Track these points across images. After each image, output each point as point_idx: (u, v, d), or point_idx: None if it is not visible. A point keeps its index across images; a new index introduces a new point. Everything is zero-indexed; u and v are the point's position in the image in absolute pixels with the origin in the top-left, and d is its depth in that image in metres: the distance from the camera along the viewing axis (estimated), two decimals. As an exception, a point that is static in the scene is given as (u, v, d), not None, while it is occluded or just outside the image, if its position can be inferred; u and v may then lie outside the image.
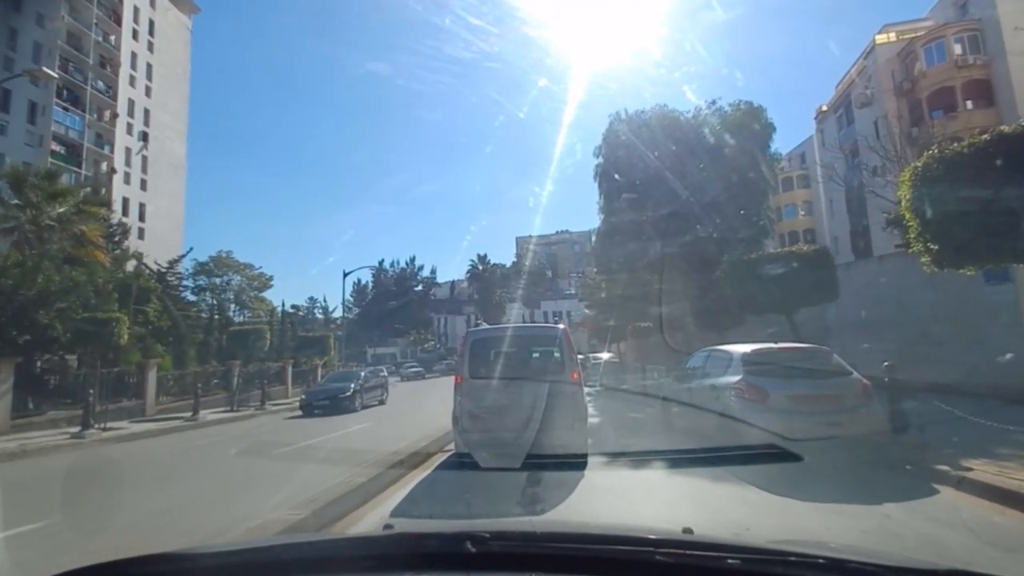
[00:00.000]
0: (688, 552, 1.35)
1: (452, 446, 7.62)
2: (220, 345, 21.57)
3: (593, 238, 26.31)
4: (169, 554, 1.51)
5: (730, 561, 1.30)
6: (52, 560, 3.90)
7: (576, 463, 6.50)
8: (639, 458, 7.24)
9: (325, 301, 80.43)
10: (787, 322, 10.69)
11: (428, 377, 44.55)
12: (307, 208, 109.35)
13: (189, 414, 15.67)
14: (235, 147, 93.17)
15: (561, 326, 8.94)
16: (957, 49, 30.76)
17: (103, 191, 46.53)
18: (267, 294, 46.38)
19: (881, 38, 33.57)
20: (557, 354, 7.85)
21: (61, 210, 21.65)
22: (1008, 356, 8.73)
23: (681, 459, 6.75)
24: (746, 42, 68.47)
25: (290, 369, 24.38)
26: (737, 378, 6.80)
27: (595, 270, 50.93)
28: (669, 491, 5.86)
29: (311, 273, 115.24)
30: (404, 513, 5.52)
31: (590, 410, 13.84)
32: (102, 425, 12.72)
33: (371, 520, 5.21)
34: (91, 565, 1.42)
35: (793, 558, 1.30)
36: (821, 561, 1.30)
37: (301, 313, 32.05)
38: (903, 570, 1.29)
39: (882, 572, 1.25)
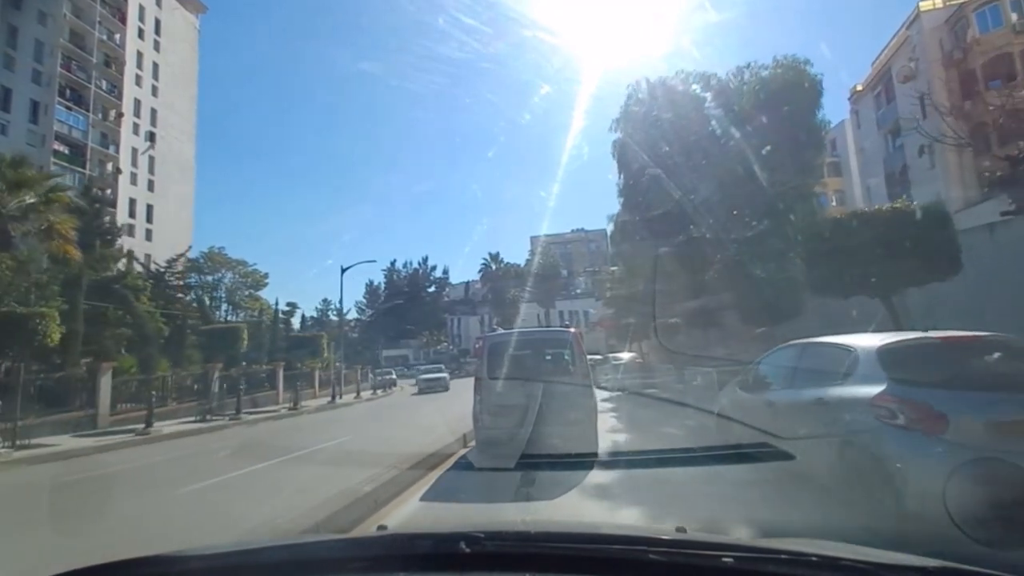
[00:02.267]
0: (680, 551, 1.34)
1: None
2: (208, 347, 19.15)
3: (611, 227, 23.31)
4: (162, 556, 1.50)
5: (723, 559, 1.26)
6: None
7: (586, 458, 6.55)
8: (648, 456, 7.25)
9: (340, 302, 78.57)
10: (883, 308, 7.72)
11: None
12: (315, 208, 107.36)
13: (142, 426, 13.21)
14: (242, 148, 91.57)
15: (572, 329, 9.36)
16: (1014, 16, 27.24)
17: (108, 191, 45.09)
18: (272, 294, 44.26)
19: (926, 5, 30.03)
20: (568, 356, 8.19)
21: (30, 200, 19.54)
22: (995, 356, 6.39)
23: (689, 458, 6.68)
24: (760, 35, 64.60)
25: (281, 372, 21.88)
26: (877, 390, 3.89)
27: (613, 269, 47.72)
28: (674, 488, 5.66)
29: (320, 274, 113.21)
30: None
31: (613, 422, 11.08)
32: (13, 442, 10.23)
33: None
34: (86, 567, 1.38)
35: (785, 556, 1.28)
36: (814, 559, 1.28)
37: (301, 311, 29.43)
38: (895, 567, 1.28)
39: (874, 569, 1.23)
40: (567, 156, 71.91)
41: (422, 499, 5.74)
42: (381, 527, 2.04)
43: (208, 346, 15.80)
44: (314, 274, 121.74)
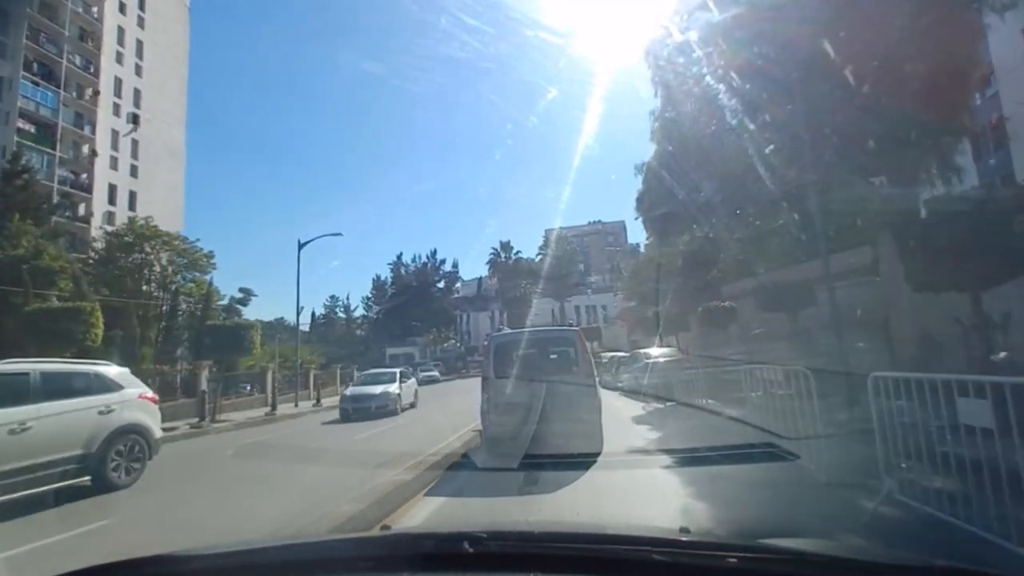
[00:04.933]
0: (684, 551, 1.30)
1: None
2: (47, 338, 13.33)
3: (640, 183, 17.08)
4: (166, 556, 1.46)
5: (727, 560, 1.23)
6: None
7: (591, 453, 6.53)
8: (649, 455, 7.03)
9: (348, 299, 73.59)
10: None
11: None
12: (319, 209, 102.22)
13: None
14: (243, 146, 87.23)
15: (575, 328, 9.61)
16: None
17: (83, 175, 40.48)
18: (274, 295, 38.61)
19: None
20: (572, 354, 8.09)
21: None
22: (1002, 355, 5.86)
23: (689, 458, 6.48)
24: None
25: (205, 375, 16.20)
26: None
27: (631, 262, 41.06)
28: (675, 487, 5.44)
29: (328, 274, 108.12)
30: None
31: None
32: None
33: None
34: (88, 567, 1.35)
35: (789, 556, 1.24)
36: (818, 559, 1.24)
37: (256, 296, 23.65)
38: (899, 567, 1.23)
39: (878, 569, 1.19)
40: (579, 153, 65.73)
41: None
42: (384, 527, 2.11)
43: (46, 336, 10.13)
44: (321, 274, 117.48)
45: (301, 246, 18.88)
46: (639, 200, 18.64)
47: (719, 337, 16.33)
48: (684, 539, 1.40)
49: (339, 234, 20.85)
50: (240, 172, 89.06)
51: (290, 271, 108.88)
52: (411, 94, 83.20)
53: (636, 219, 22.41)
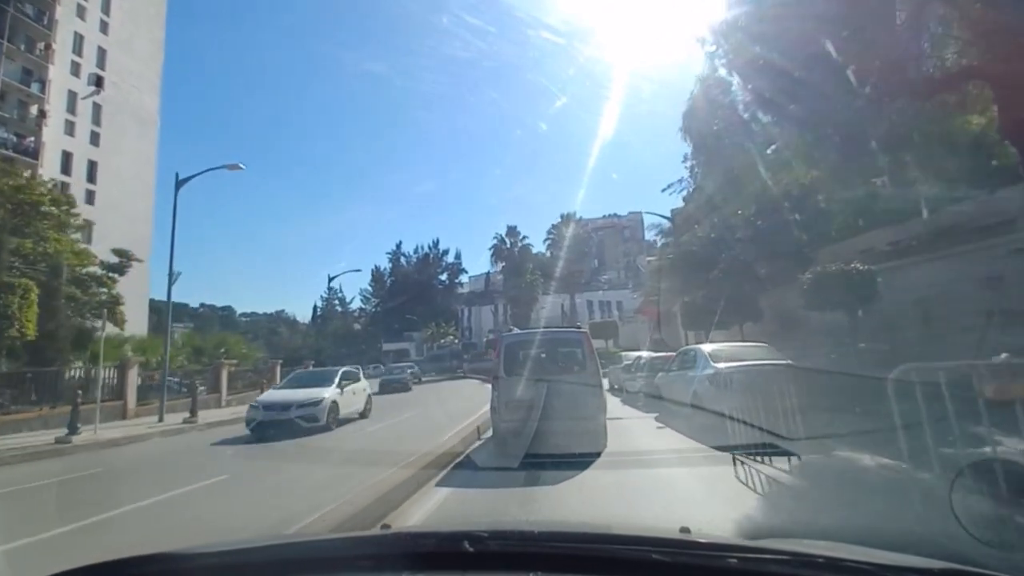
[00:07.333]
0: (684, 551, 1.27)
1: None
2: None
3: (703, 69, 10.24)
4: (167, 554, 1.39)
5: (727, 560, 1.20)
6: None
7: (594, 452, 6.51)
8: (651, 454, 6.99)
9: (341, 291, 67.65)
10: None
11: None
12: (321, 210, 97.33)
13: None
14: (242, 146, 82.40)
15: (583, 330, 9.47)
16: None
17: (30, 139, 34.89)
18: (282, 297, 32.08)
19: None
20: (579, 354, 8.22)
21: None
22: (1003, 356, 4.91)
23: (687, 457, 6.48)
24: None
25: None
26: None
27: (673, 228, 33.66)
28: (676, 485, 5.27)
29: (325, 273, 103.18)
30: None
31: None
32: None
33: None
34: (88, 565, 1.30)
35: (789, 556, 1.20)
36: (818, 560, 1.19)
37: (135, 261, 16.82)
38: (898, 568, 1.18)
39: (877, 570, 1.15)
40: (593, 155, 59.08)
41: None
42: (385, 526, 2.08)
43: None
44: (326, 276, 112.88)
45: (180, 183, 12.48)
46: (686, 115, 11.69)
47: (837, 324, 9.24)
48: (684, 539, 1.37)
49: (239, 166, 14.42)
50: (240, 165, 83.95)
51: (291, 270, 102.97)
52: (414, 93, 77.32)
53: (677, 177, 15.25)
